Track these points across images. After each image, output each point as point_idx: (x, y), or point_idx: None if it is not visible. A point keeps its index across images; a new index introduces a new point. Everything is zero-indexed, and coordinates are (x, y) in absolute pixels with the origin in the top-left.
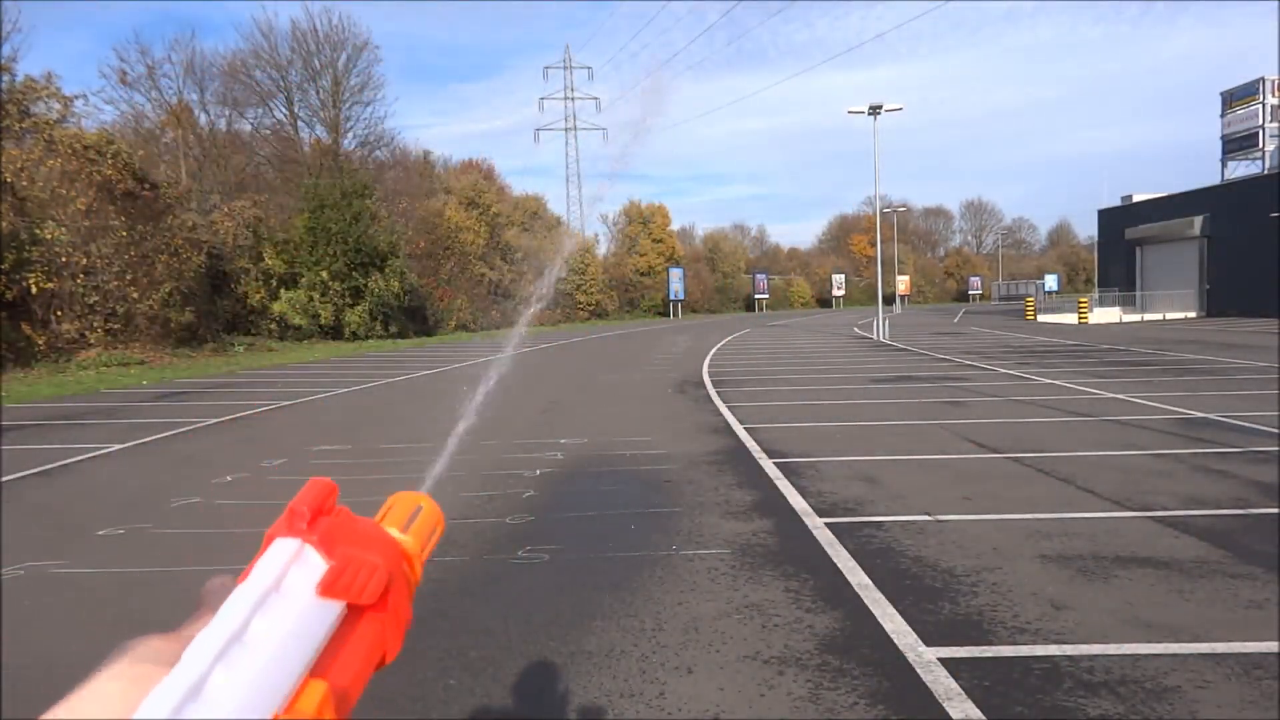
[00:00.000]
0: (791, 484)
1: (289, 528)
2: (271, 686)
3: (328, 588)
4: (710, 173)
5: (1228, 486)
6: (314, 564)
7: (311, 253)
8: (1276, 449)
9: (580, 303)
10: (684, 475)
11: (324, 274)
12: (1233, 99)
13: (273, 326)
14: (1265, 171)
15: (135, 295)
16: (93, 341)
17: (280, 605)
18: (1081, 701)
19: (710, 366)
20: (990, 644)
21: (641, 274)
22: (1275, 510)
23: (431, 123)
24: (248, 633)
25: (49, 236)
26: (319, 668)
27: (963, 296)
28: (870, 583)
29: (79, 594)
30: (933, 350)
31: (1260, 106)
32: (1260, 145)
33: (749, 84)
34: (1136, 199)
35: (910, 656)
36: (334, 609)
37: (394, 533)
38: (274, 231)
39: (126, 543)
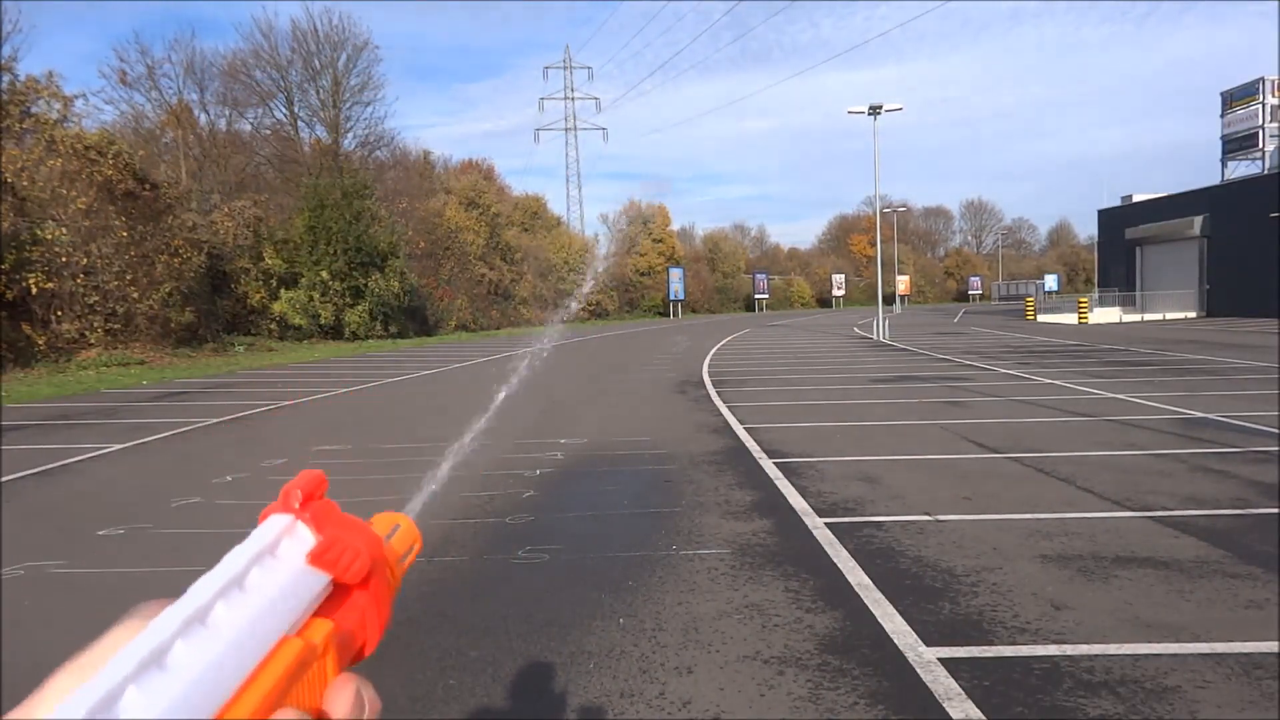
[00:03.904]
0: (791, 484)
1: (283, 506)
2: (264, 631)
3: (317, 557)
4: (710, 173)
5: (1228, 486)
6: (304, 538)
7: (311, 253)
8: (1276, 449)
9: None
10: (684, 475)
11: (324, 274)
12: (1233, 99)
13: (273, 326)
14: (1265, 171)
15: (135, 295)
16: (93, 341)
17: (274, 565)
18: (1081, 701)
19: (710, 366)
20: (990, 644)
21: (641, 274)
22: (1275, 510)
23: (434, 122)
24: (247, 580)
25: (49, 236)
26: None
27: (963, 296)
28: (870, 583)
29: (79, 594)
30: (933, 350)
31: (1260, 106)
32: (1260, 145)
33: (752, 83)
34: (1136, 199)
35: (910, 656)
36: (320, 579)
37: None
38: (274, 231)
39: (126, 543)
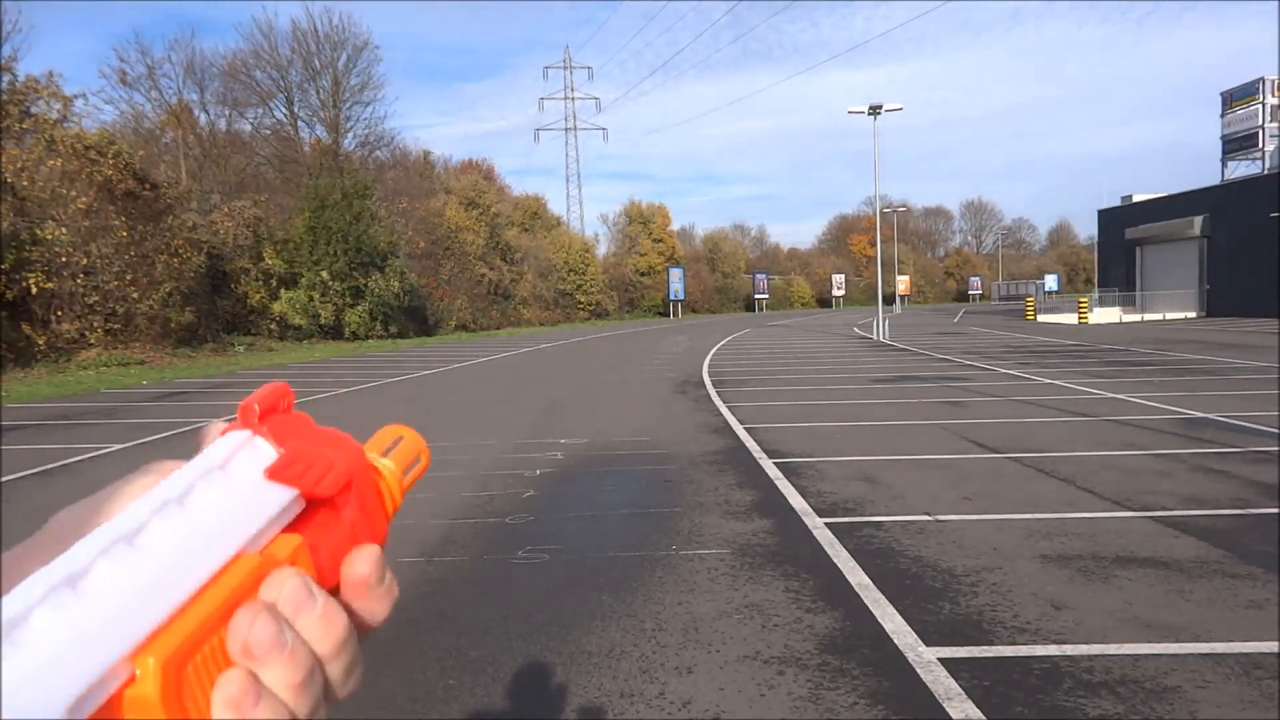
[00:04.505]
0: (791, 484)
1: (243, 423)
2: (207, 549)
3: (276, 471)
4: (710, 173)
5: (1228, 486)
6: (264, 452)
7: (311, 253)
8: (1276, 449)
9: (580, 303)
10: (684, 475)
11: (324, 274)
12: (1233, 99)
13: (273, 326)
14: (1265, 171)
15: (135, 295)
16: (93, 341)
17: (223, 480)
18: (1081, 701)
19: (710, 366)
20: (990, 644)
21: (641, 274)
22: (1275, 510)
23: (435, 122)
24: (190, 497)
25: (49, 236)
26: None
27: (963, 296)
28: (870, 583)
29: None
30: (933, 350)
31: (1260, 106)
32: (1260, 145)
33: (752, 83)
34: (1136, 199)
35: (910, 656)
36: (284, 494)
37: (372, 456)
38: (274, 231)
39: None
